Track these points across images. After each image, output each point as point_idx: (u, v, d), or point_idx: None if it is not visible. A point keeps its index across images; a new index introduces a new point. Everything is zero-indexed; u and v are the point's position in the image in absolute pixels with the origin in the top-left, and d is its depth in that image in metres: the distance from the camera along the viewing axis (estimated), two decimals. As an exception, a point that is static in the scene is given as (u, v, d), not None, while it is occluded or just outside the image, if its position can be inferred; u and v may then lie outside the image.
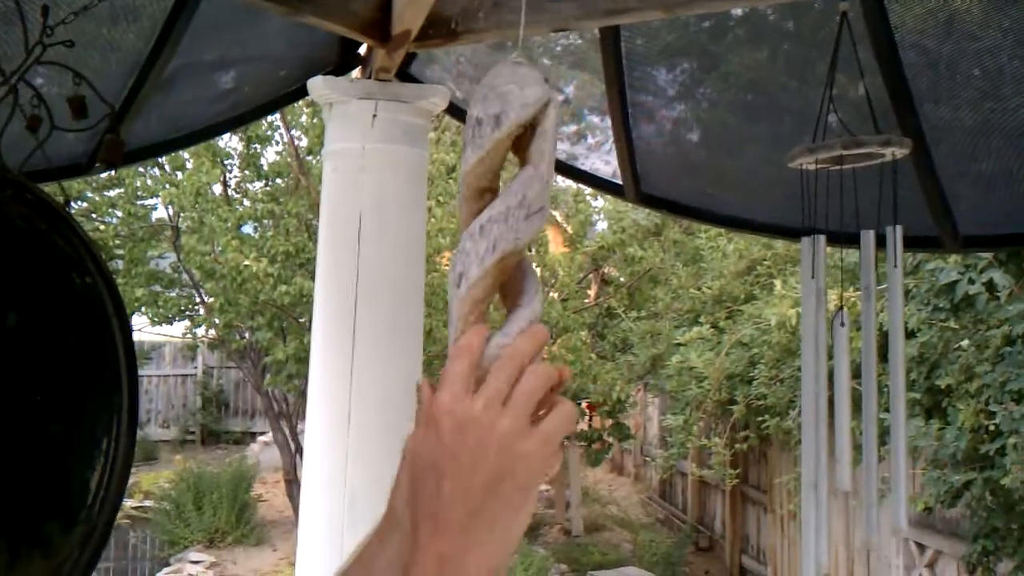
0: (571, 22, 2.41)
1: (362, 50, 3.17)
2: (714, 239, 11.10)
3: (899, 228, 2.62)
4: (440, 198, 9.81)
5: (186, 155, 11.25)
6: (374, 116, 2.93)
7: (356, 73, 3.21)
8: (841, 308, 2.54)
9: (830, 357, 2.57)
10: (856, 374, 2.77)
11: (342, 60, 3.15)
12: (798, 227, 2.72)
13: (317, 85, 2.99)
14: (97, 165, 2.94)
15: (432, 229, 9.44)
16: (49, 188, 2.12)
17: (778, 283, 7.97)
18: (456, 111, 3.26)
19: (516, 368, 0.84)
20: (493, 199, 0.99)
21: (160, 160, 11.70)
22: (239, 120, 3.33)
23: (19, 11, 1.88)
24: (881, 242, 2.61)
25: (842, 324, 2.54)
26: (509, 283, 0.96)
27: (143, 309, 13.15)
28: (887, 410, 2.74)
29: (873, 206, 2.50)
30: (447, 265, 10.82)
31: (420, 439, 0.85)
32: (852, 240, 2.62)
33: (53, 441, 2.08)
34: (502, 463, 0.81)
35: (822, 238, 2.58)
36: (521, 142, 0.99)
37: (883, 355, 2.78)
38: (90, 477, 2.15)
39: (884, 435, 2.97)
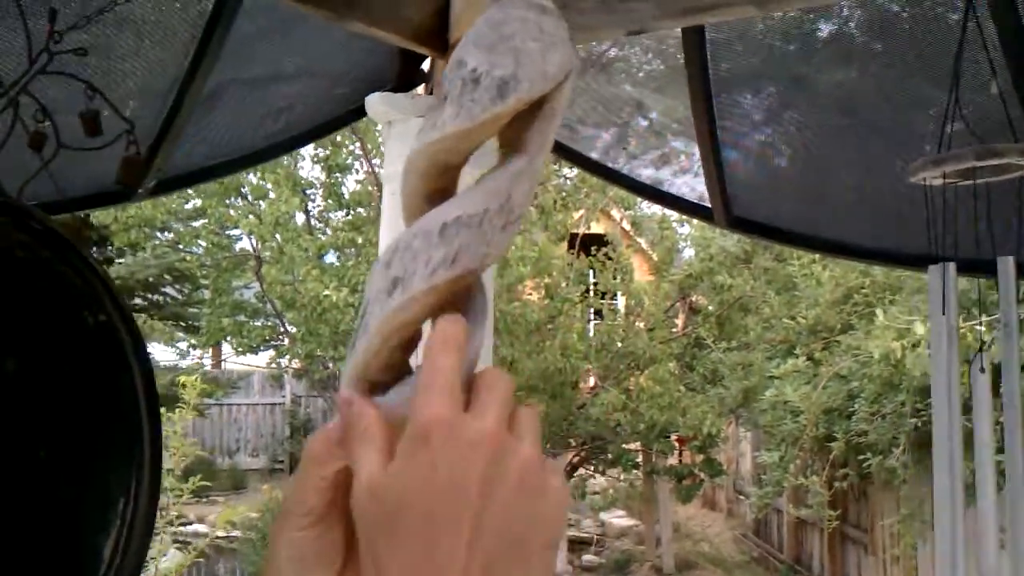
0: (648, 22, 2.10)
1: (426, 65, 2.93)
2: (807, 266, 10.65)
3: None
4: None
5: (268, 184, 11.22)
6: (435, 135, 2.66)
7: (420, 90, 2.97)
8: (980, 351, 2.16)
9: (966, 409, 2.19)
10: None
11: (404, 75, 2.91)
12: (917, 253, 2.38)
13: (374, 103, 2.73)
14: (140, 191, 2.73)
15: (512, 257, 9.20)
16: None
17: (880, 314, 7.51)
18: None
19: (508, 389, 0.62)
20: (452, 186, 0.74)
21: (243, 190, 11.70)
22: (293, 142, 3.10)
23: (21, 14, 1.65)
24: (1022, 271, 2.23)
25: (981, 370, 2.15)
26: (449, 307, 0.70)
27: (229, 338, 13.15)
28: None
29: (1011, 228, 2.13)
30: (529, 293, 10.65)
31: (394, 472, 0.58)
32: (987, 268, 2.24)
33: (60, 503, 1.83)
34: (527, 504, 0.57)
35: (952, 266, 2.20)
36: (515, 120, 0.72)
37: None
38: (103, 544, 1.89)
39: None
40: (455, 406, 0.59)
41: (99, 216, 11.65)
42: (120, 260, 14.18)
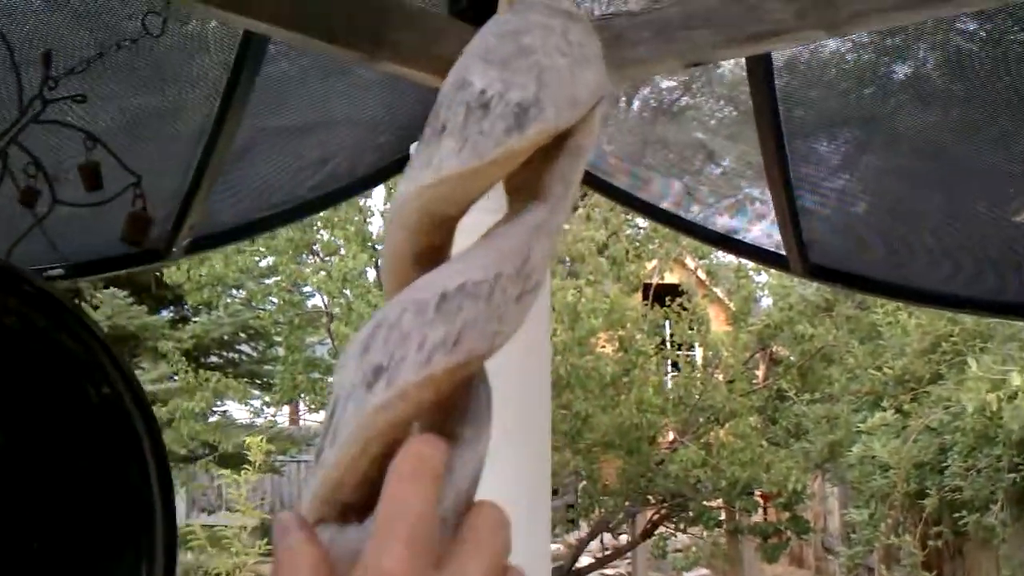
0: (708, 52, 1.90)
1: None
2: (892, 313, 10.28)
3: None
4: (591, 276, 9.34)
5: (340, 240, 11.20)
6: (485, 184, 2.48)
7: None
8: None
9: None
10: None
11: (451, 122, 2.74)
12: (1016, 301, 2.12)
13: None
14: (175, 249, 2.59)
15: (584, 310, 9.00)
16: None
17: (972, 363, 7.15)
18: (585, 176, 2.78)
19: (502, 540, 0.48)
20: (447, 242, 0.56)
21: (315, 247, 11.70)
22: (339, 194, 2.94)
23: (11, 58, 1.50)
24: None
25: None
26: (447, 404, 0.53)
27: (302, 396, 13.12)
28: None
29: None
30: (603, 346, 10.41)
31: None
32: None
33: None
34: None
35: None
36: (533, 158, 0.55)
37: None
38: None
39: None
40: (419, 561, 0.44)
41: (173, 275, 11.75)
42: (196, 319, 14.30)
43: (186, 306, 14.45)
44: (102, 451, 1.74)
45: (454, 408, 0.53)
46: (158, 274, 13.02)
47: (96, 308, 13.73)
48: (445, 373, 0.49)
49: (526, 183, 0.58)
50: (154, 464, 1.79)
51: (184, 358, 12.36)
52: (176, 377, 12.65)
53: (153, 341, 13.54)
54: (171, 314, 15.46)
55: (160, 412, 11.67)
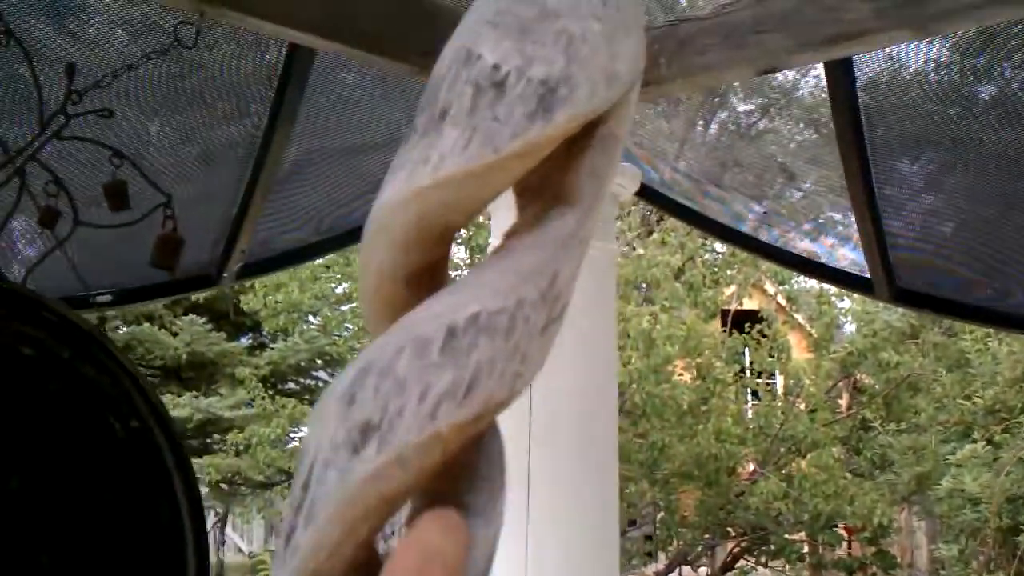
0: (781, 58, 1.75)
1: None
2: (982, 340, 9.93)
3: None
4: (666, 302, 9.16)
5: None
6: (547, 204, 2.38)
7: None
8: None
9: None
10: None
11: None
12: None
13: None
14: (226, 275, 2.51)
15: (659, 336, 8.83)
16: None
17: (1070, 393, 6.85)
18: (650, 194, 2.64)
19: None
20: (445, 259, 0.44)
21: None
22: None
23: (31, 71, 1.41)
24: None
25: None
26: (450, 461, 0.39)
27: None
28: None
29: None
30: (680, 374, 10.19)
31: None
32: None
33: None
34: None
35: None
36: (557, 150, 0.42)
37: None
38: None
39: None
40: None
41: (250, 302, 11.85)
42: (273, 345, 14.43)
43: (264, 333, 14.58)
44: (130, 488, 1.64)
45: (460, 471, 0.40)
46: (236, 301, 13.15)
47: (176, 335, 13.92)
48: (453, 430, 0.37)
49: (546, 182, 0.45)
50: (185, 501, 1.69)
51: (261, 384, 12.46)
52: (253, 403, 12.74)
53: (231, 367, 13.68)
54: (249, 340, 15.61)
55: (237, 438, 11.75)
